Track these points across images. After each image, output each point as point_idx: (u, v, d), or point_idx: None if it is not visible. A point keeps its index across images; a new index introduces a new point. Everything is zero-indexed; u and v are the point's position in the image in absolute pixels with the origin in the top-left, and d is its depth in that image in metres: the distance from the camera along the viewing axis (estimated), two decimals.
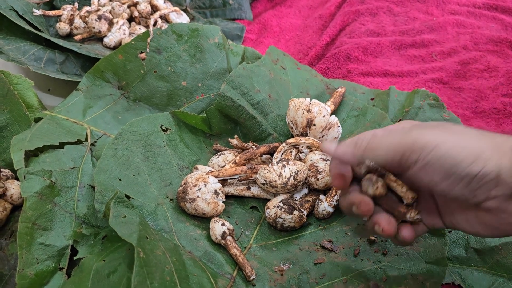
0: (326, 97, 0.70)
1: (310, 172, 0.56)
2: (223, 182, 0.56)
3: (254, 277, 0.48)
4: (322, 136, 0.61)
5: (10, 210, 0.54)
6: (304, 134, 0.61)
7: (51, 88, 0.78)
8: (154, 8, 0.92)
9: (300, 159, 0.60)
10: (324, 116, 0.59)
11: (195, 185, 0.52)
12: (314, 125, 0.59)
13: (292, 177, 0.53)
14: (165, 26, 0.79)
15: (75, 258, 0.47)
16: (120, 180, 0.52)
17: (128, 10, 0.89)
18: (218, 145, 0.63)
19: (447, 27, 0.98)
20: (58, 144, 0.55)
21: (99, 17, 0.83)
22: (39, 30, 0.79)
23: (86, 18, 0.84)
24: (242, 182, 0.58)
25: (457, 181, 0.33)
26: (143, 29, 0.88)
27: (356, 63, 0.88)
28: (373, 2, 1.06)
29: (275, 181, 0.53)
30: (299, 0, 1.13)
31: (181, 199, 0.53)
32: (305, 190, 0.57)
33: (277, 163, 0.54)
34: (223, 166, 0.59)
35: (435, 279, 0.48)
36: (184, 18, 0.93)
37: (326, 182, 0.55)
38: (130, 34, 0.86)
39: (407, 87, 0.82)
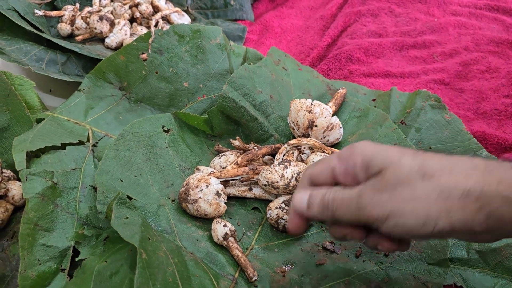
0: (328, 98, 0.70)
1: None
2: (225, 183, 0.56)
3: (256, 278, 0.48)
4: (324, 137, 0.61)
5: (12, 211, 0.54)
6: (306, 135, 0.61)
7: (52, 89, 0.78)
8: (156, 9, 0.92)
9: (302, 160, 0.60)
10: (325, 117, 0.59)
11: (197, 186, 0.52)
12: (316, 126, 0.59)
13: (294, 178, 0.53)
14: (167, 27, 0.79)
15: (77, 259, 0.47)
16: (122, 181, 0.52)
17: (129, 11, 0.90)
18: (220, 146, 0.63)
19: (448, 28, 0.98)
20: (59, 145, 0.55)
21: (101, 18, 0.83)
22: (41, 31, 0.79)
23: (88, 19, 0.84)
24: (244, 183, 0.58)
25: (419, 238, 0.36)
26: (144, 30, 0.88)
27: (357, 64, 0.89)
28: (374, 3, 1.06)
29: (277, 182, 0.53)
30: (301, 1, 1.13)
31: (183, 200, 0.53)
32: None
33: (279, 164, 0.54)
34: (225, 167, 0.59)
35: (437, 280, 0.48)
36: (185, 19, 0.93)
37: None
38: (131, 35, 0.86)
39: (409, 88, 0.82)
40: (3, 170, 0.56)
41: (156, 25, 0.86)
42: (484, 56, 0.88)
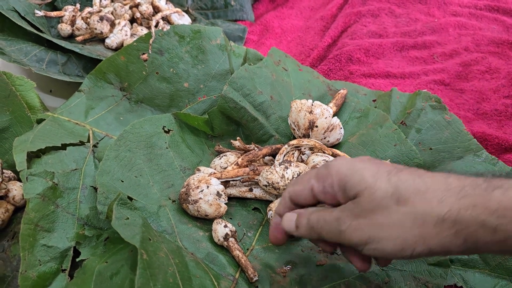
0: (328, 98, 0.70)
1: None
2: (225, 183, 0.56)
3: (257, 278, 0.48)
4: (324, 138, 0.61)
5: (13, 212, 0.54)
6: (306, 135, 0.61)
7: (53, 89, 0.78)
8: (156, 9, 0.92)
9: (302, 161, 0.60)
10: (326, 117, 0.59)
11: (198, 187, 0.52)
12: (316, 126, 0.59)
13: (294, 179, 0.53)
14: (167, 27, 0.79)
15: (77, 259, 0.47)
16: (122, 181, 0.52)
17: (130, 11, 0.90)
18: (220, 146, 0.63)
19: (448, 28, 0.98)
20: (60, 145, 0.55)
21: (101, 18, 0.83)
22: (41, 31, 0.79)
23: (88, 19, 0.84)
24: (244, 183, 0.58)
25: (399, 259, 0.38)
26: (145, 30, 0.88)
27: (358, 65, 0.89)
28: (374, 4, 1.06)
29: (278, 182, 0.53)
30: (301, 2, 1.13)
31: (183, 200, 0.53)
32: None
33: (280, 164, 0.54)
34: (225, 168, 0.59)
35: (437, 281, 0.48)
36: (185, 19, 0.93)
37: None
38: (132, 35, 0.86)
39: (409, 89, 0.82)
40: (4, 171, 0.56)
41: (156, 26, 0.86)
42: (484, 56, 0.88)
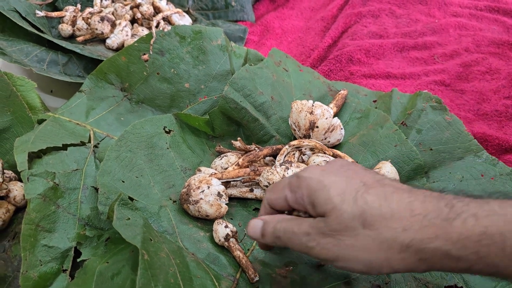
0: (329, 99, 0.70)
1: None
2: (226, 184, 0.56)
3: (257, 279, 0.48)
4: (325, 138, 0.61)
5: (13, 212, 0.54)
6: (307, 136, 0.61)
7: (54, 89, 0.78)
8: (157, 10, 0.92)
9: (303, 161, 0.60)
10: (326, 118, 0.59)
11: (198, 187, 0.52)
12: (317, 127, 0.59)
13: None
14: (168, 27, 0.79)
15: (78, 260, 0.47)
16: (123, 182, 0.52)
17: (130, 12, 0.90)
18: (221, 147, 0.63)
19: (449, 29, 0.98)
20: (61, 146, 0.55)
21: (102, 19, 0.83)
22: (42, 32, 0.79)
23: (89, 20, 0.84)
24: (245, 184, 0.58)
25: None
26: (145, 31, 0.88)
27: (358, 65, 0.89)
28: (375, 4, 1.06)
29: None
30: (301, 2, 1.14)
31: (184, 201, 0.53)
32: None
33: (280, 165, 0.54)
34: (226, 168, 0.59)
35: (438, 281, 0.48)
36: (186, 20, 0.93)
37: None
38: (132, 35, 0.86)
39: (409, 89, 0.82)
40: (5, 171, 0.56)
41: (157, 26, 0.86)
42: (484, 57, 0.89)
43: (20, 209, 0.55)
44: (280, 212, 0.43)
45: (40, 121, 0.60)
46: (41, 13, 0.82)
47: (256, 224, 0.42)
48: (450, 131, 0.62)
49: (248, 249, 0.52)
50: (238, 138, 0.61)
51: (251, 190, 0.57)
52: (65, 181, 0.52)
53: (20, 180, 0.56)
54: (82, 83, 0.67)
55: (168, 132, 0.61)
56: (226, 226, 0.51)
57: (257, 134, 0.63)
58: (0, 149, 0.59)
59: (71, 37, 0.87)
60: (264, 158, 0.61)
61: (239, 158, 0.59)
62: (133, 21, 0.91)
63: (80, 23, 0.86)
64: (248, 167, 0.57)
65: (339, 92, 0.68)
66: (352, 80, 0.85)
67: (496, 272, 0.32)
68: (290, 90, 0.69)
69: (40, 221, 0.47)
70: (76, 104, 0.65)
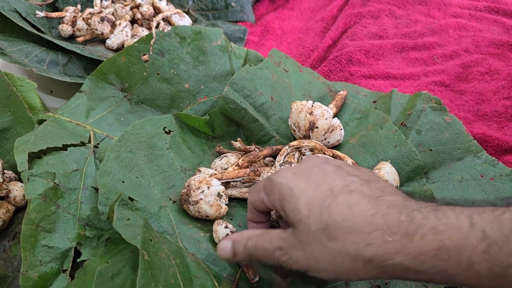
0: (329, 99, 0.70)
1: None
2: (226, 184, 0.56)
3: (257, 279, 0.48)
4: (325, 139, 0.61)
5: (13, 212, 0.54)
6: (307, 136, 0.61)
7: (54, 90, 0.78)
8: (157, 10, 0.92)
9: None
10: (326, 118, 0.60)
11: (198, 188, 0.52)
12: (317, 127, 0.59)
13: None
14: (168, 28, 0.79)
15: (78, 260, 0.47)
16: (123, 182, 0.53)
17: (130, 12, 0.90)
18: (221, 147, 0.64)
19: (448, 30, 0.98)
20: (61, 146, 0.55)
21: (102, 19, 0.83)
22: (42, 32, 0.79)
23: (89, 20, 0.84)
24: (245, 184, 0.58)
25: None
26: (145, 31, 0.88)
27: (358, 66, 0.89)
28: (375, 5, 1.06)
29: None
30: (301, 3, 1.14)
31: (184, 201, 0.53)
32: None
33: (280, 166, 0.54)
34: (226, 169, 0.59)
35: None
36: (186, 20, 0.93)
37: None
38: (132, 36, 0.86)
39: (409, 90, 0.82)
40: (5, 171, 0.56)
41: (157, 27, 0.86)
42: (484, 58, 0.89)
43: (20, 209, 0.55)
44: (264, 212, 0.44)
45: (40, 122, 0.60)
46: (41, 14, 0.82)
47: (225, 246, 0.42)
48: (450, 131, 0.62)
49: None
50: (238, 139, 0.61)
51: None
52: (65, 181, 0.52)
53: (20, 180, 0.56)
54: (82, 84, 0.67)
55: (168, 133, 0.61)
56: (226, 227, 0.51)
57: (257, 134, 0.63)
58: (0, 149, 0.59)
59: (71, 38, 0.87)
60: (264, 159, 0.61)
61: (239, 158, 0.59)
62: (133, 21, 0.91)
63: (80, 23, 0.86)
64: (248, 167, 0.58)
65: (339, 93, 0.68)
66: (351, 80, 0.85)
67: (455, 282, 0.33)
68: (290, 91, 0.69)
69: (40, 221, 0.47)
70: (76, 104, 0.65)
